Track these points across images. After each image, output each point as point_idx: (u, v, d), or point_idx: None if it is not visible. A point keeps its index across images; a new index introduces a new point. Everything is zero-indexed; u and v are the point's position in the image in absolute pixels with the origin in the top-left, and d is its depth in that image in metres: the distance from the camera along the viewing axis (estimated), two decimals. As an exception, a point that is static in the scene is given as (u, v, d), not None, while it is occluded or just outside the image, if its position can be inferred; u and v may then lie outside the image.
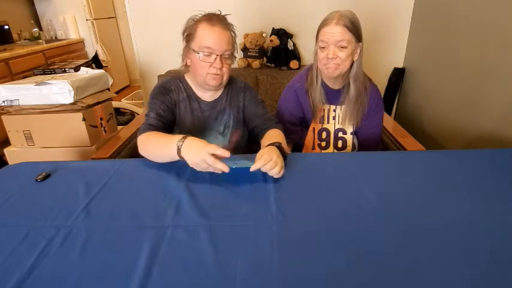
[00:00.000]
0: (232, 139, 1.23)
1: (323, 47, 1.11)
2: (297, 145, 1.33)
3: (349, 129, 1.28)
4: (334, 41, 1.08)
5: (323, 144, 1.30)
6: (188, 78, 1.22)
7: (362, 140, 1.30)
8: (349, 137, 1.29)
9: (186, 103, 1.20)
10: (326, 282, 0.61)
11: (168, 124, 1.17)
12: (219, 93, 1.23)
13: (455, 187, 0.88)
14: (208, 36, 1.08)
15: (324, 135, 1.29)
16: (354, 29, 1.09)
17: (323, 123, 1.28)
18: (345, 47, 1.09)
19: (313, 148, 1.31)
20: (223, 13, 1.14)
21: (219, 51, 1.09)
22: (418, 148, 1.34)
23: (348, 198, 0.84)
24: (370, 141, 1.29)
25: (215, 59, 1.09)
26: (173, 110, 1.18)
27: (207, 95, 1.21)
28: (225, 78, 1.15)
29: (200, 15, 1.13)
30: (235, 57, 1.17)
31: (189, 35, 1.12)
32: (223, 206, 0.82)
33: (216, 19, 1.10)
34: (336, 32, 1.07)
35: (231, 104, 1.23)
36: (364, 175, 0.93)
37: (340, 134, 1.29)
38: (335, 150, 1.30)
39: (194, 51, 1.10)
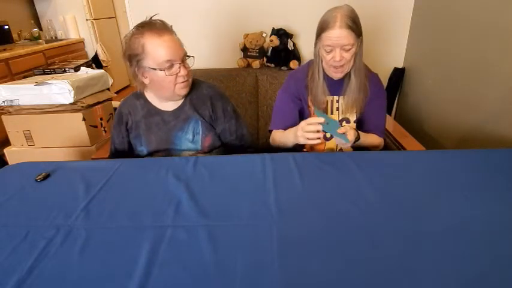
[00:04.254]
0: (205, 144, 1.20)
1: (329, 51, 1.11)
2: None
3: (353, 118, 1.28)
4: (339, 44, 1.08)
5: (328, 135, 1.30)
6: (147, 94, 1.19)
7: (366, 128, 1.30)
8: (352, 125, 1.29)
9: (146, 120, 1.18)
10: (326, 282, 0.61)
11: (128, 150, 1.25)
12: (181, 101, 1.18)
13: (455, 187, 0.88)
14: (162, 49, 1.02)
15: None
16: (356, 28, 1.09)
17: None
18: (350, 49, 1.10)
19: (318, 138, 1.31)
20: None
21: (179, 59, 1.05)
22: (418, 148, 1.34)
23: (347, 198, 0.84)
24: (375, 127, 1.28)
25: (179, 67, 1.06)
26: (130, 134, 1.22)
27: (169, 105, 1.18)
28: (191, 81, 1.14)
29: (132, 31, 1.05)
30: (193, 56, 1.12)
31: (135, 56, 1.04)
32: (223, 206, 0.82)
33: (159, 27, 1.04)
34: (341, 36, 1.07)
35: (196, 110, 1.18)
36: (364, 175, 0.93)
37: (344, 124, 1.29)
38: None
39: (154, 69, 1.04)
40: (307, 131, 1.03)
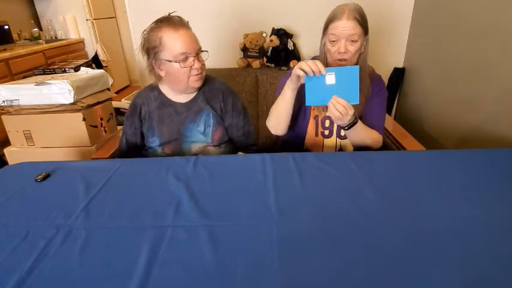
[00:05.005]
0: (215, 137, 1.24)
1: (334, 41, 1.12)
2: (299, 134, 1.32)
3: None
4: (345, 35, 1.09)
5: (326, 132, 1.30)
6: (162, 86, 1.23)
7: (366, 124, 1.29)
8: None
9: (159, 111, 1.21)
10: (326, 282, 0.61)
11: (139, 143, 1.27)
12: (194, 93, 1.23)
13: (455, 187, 0.88)
14: (178, 42, 1.07)
15: (327, 123, 1.29)
16: (363, 22, 1.10)
17: (326, 111, 1.28)
18: (356, 41, 1.10)
19: (317, 135, 1.30)
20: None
21: (194, 52, 1.10)
22: (418, 148, 1.34)
23: (347, 198, 0.84)
24: (375, 124, 1.27)
25: (193, 60, 1.10)
26: (143, 125, 1.24)
27: (182, 97, 1.22)
28: (204, 75, 1.18)
29: (151, 26, 1.11)
30: (207, 51, 1.17)
31: (153, 48, 1.10)
32: (223, 206, 0.82)
33: (176, 22, 1.09)
34: (348, 27, 1.08)
35: (208, 103, 1.22)
36: (364, 175, 0.93)
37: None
38: (338, 139, 1.30)
39: (169, 61, 1.09)
40: (306, 64, 1.02)
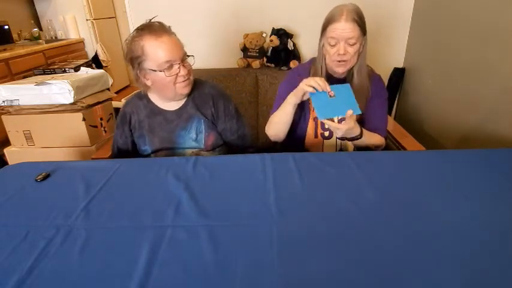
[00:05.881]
0: (208, 143, 1.21)
1: (333, 44, 1.12)
2: (299, 136, 1.32)
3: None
4: (344, 37, 1.09)
5: (326, 134, 1.30)
6: (150, 95, 1.20)
7: (368, 126, 1.29)
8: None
9: (149, 120, 1.19)
10: (326, 282, 0.61)
11: (131, 150, 1.25)
12: (184, 100, 1.19)
13: (455, 187, 0.88)
14: (161, 50, 1.03)
15: (326, 125, 1.29)
16: (362, 23, 1.10)
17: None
18: (355, 43, 1.10)
19: (316, 136, 1.30)
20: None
21: (178, 59, 1.06)
22: (418, 148, 1.34)
23: (347, 198, 0.84)
24: (377, 126, 1.26)
25: (178, 67, 1.07)
26: (133, 134, 1.22)
27: (171, 104, 1.19)
28: (192, 80, 1.15)
29: (132, 34, 1.06)
30: (193, 56, 1.13)
31: (137, 58, 1.06)
32: (223, 206, 0.82)
33: (157, 29, 1.04)
34: (347, 29, 1.08)
35: (198, 110, 1.19)
36: (364, 175, 0.93)
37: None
38: (338, 140, 1.30)
39: (154, 70, 1.05)
40: (314, 80, 1.05)
